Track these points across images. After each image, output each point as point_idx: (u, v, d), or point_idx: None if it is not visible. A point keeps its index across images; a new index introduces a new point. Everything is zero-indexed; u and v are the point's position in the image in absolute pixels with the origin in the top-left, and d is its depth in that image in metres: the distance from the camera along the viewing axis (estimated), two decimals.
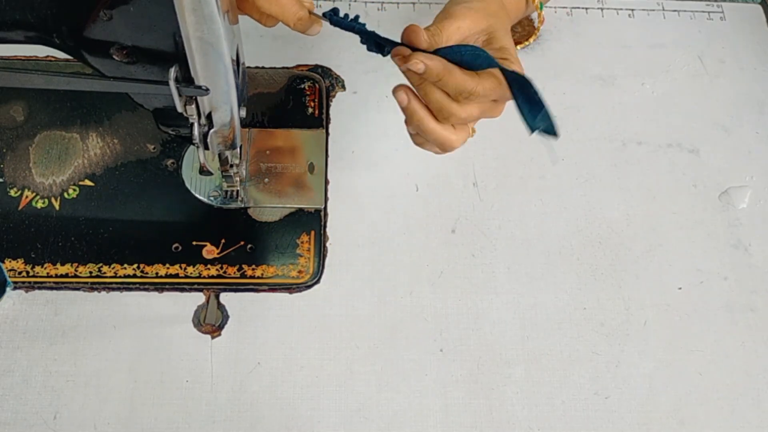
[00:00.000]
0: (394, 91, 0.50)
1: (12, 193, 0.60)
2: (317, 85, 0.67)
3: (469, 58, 0.48)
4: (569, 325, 0.59)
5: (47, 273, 0.57)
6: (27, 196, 0.60)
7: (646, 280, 0.61)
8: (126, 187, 0.61)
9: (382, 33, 0.73)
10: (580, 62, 0.67)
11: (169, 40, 0.41)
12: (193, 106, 0.44)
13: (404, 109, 0.50)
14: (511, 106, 0.48)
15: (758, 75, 0.71)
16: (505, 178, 0.64)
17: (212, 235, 0.60)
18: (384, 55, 0.50)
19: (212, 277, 0.58)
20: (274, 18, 0.50)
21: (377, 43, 0.50)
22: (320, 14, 0.50)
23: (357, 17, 0.50)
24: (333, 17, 0.50)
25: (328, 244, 0.60)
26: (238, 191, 0.60)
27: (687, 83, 0.70)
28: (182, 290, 0.58)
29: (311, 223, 0.61)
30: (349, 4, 0.72)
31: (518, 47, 0.70)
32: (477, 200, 0.63)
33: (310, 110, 0.66)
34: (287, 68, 0.68)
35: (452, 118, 0.50)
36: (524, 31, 0.72)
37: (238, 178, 0.59)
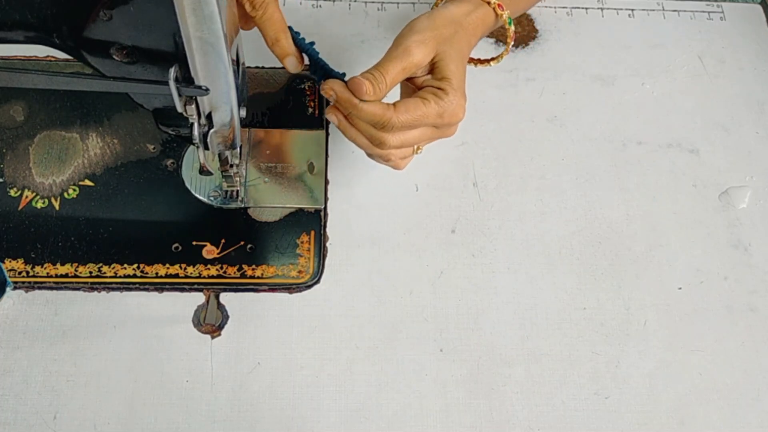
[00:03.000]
0: (326, 112, 0.53)
1: (12, 193, 0.60)
2: (317, 85, 0.67)
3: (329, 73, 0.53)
4: (569, 325, 0.59)
5: (47, 273, 0.57)
6: (27, 196, 0.60)
7: (646, 280, 0.61)
8: (126, 187, 0.61)
9: (382, 33, 0.73)
10: (580, 62, 0.67)
11: (169, 40, 0.41)
12: (193, 106, 0.44)
13: (338, 128, 0.53)
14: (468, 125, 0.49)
15: (758, 75, 0.71)
16: (505, 178, 0.64)
17: (212, 235, 0.60)
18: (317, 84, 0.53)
19: (212, 277, 0.58)
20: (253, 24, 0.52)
21: (324, 72, 0.53)
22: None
23: (312, 43, 0.53)
24: (294, 36, 0.53)
25: (328, 244, 0.60)
26: (238, 191, 0.60)
27: (687, 83, 0.70)
28: (182, 290, 0.58)
29: (311, 223, 0.61)
30: (349, 5, 0.72)
31: (519, 48, 0.70)
32: (477, 200, 0.63)
33: (310, 110, 0.66)
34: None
35: (384, 146, 0.52)
36: (524, 30, 0.72)
37: (238, 178, 0.59)
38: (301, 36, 0.53)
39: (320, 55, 0.53)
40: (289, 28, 0.52)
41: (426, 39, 0.52)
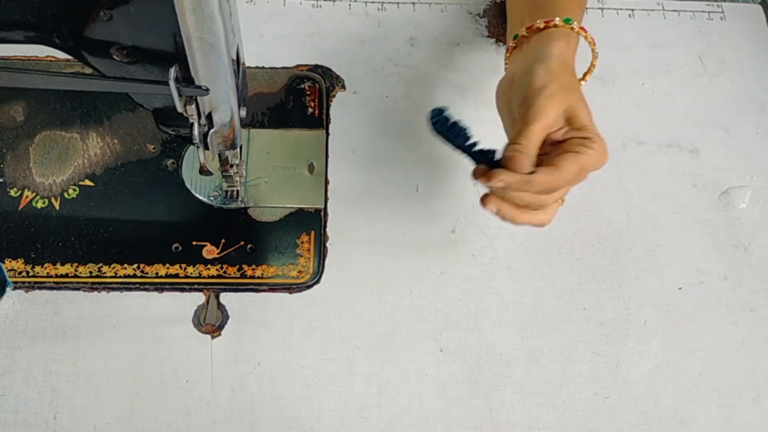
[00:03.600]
0: (483, 202, 0.53)
1: (12, 193, 0.60)
2: (317, 85, 0.67)
3: (476, 157, 0.52)
4: (569, 325, 0.59)
5: (47, 273, 0.57)
6: (27, 196, 0.60)
7: (646, 280, 0.61)
8: (126, 187, 0.61)
9: (382, 33, 0.73)
10: (580, 62, 0.66)
11: (169, 40, 0.41)
12: (193, 106, 0.44)
13: (496, 214, 0.53)
14: None
15: (758, 75, 0.71)
16: None
17: (212, 235, 0.60)
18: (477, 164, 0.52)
19: (212, 277, 0.58)
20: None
21: (475, 157, 0.52)
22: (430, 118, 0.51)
23: (463, 129, 0.51)
24: (438, 126, 0.51)
25: (328, 244, 0.60)
26: (238, 191, 0.60)
27: (687, 83, 0.70)
28: (182, 290, 0.58)
29: (311, 223, 0.61)
30: (350, 5, 0.72)
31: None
32: (477, 200, 0.63)
33: (310, 110, 0.66)
34: (287, 68, 0.68)
35: (546, 204, 0.53)
36: None
37: (238, 178, 0.59)
38: (450, 120, 0.51)
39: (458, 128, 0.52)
40: (440, 110, 0.51)
41: (554, 93, 0.52)
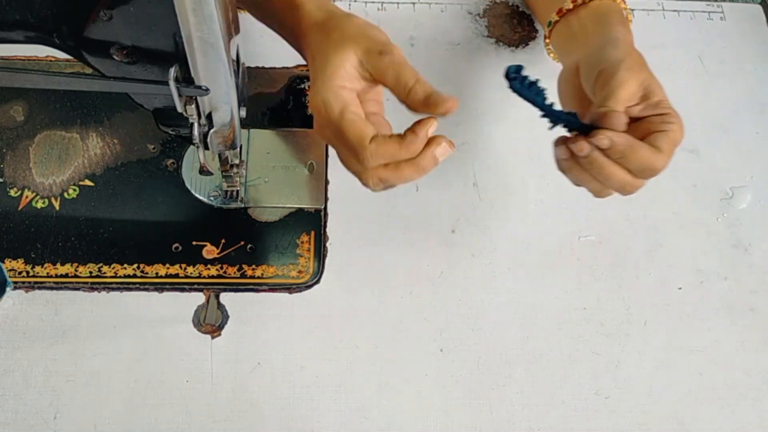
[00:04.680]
0: (560, 145, 0.50)
1: (12, 193, 0.60)
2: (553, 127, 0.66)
3: (568, 122, 0.49)
4: (569, 325, 0.59)
5: (47, 273, 0.57)
6: (27, 196, 0.60)
7: (646, 280, 0.61)
8: (126, 187, 0.61)
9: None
10: None
11: (169, 40, 0.41)
12: (193, 106, 0.44)
13: (583, 159, 0.49)
14: None
15: (758, 75, 0.71)
16: (505, 178, 0.64)
17: (212, 235, 0.60)
18: (551, 128, 0.49)
19: (212, 277, 0.58)
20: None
21: (558, 116, 0.49)
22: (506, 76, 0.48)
23: (541, 90, 0.49)
24: (516, 84, 0.48)
25: (328, 244, 0.60)
26: (238, 191, 0.60)
27: (687, 83, 0.70)
28: (182, 290, 0.58)
29: (311, 223, 0.61)
30: (350, 5, 0.72)
31: (519, 48, 0.70)
32: (477, 200, 0.63)
33: (310, 110, 0.66)
34: (287, 68, 0.68)
35: (660, 169, 0.51)
36: (524, 30, 0.72)
37: (238, 178, 0.59)
38: (528, 78, 0.49)
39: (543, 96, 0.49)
40: (518, 67, 0.48)
41: (632, 66, 0.51)
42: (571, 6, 0.59)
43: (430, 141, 0.47)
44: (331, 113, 0.48)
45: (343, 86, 0.48)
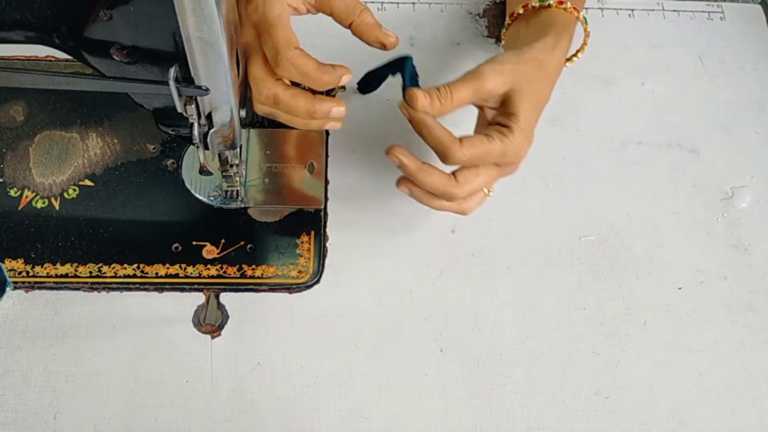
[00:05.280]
0: (397, 184, 0.54)
1: (12, 193, 0.60)
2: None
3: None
4: (569, 325, 0.59)
5: (47, 273, 0.57)
6: (27, 196, 0.60)
7: (646, 280, 0.61)
8: (126, 187, 0.61)
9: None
10: (580, 62, 0.66)
11: (169, 40, 0.41)
12: (193, 106, 0.44)
13: (410, 195, 0.54)
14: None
15: (758, 75, 0.71)
16: (506, 178, 0.64)
17: (212, 235, 0.60)
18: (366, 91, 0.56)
19: (212, 277, 0.58)
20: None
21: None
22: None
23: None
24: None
25: (328, 244, 0.60)
26: (238, 191, 0.60)
27: (687, 83, 0.70)
28: (182, 290, 0.58)
29: (311, 223, 0.61)
30: None
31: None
32: None
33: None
34: None
35: (456, 198, 0.52)
36: None
37: (238, 178, 0.59)
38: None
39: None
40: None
41: (504, 70, 0.51)
42: (521, 11, 0.60)
43: (335, 99, 0.51)
44: (267, 11, 0.49)
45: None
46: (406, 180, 0.53)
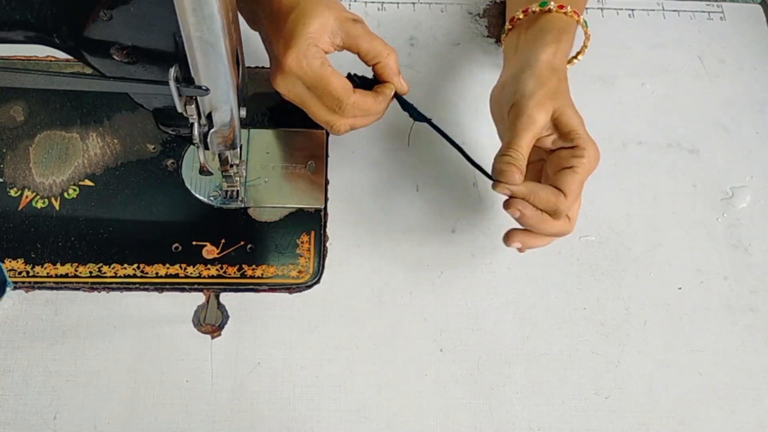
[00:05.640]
0: (505, 206, 0.53)
1: (12, 193, 0.60)
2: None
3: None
4: (569, 325, 0.59)
5: (47, 273, 0.57)
6: (27, 196, 0.60)
7: (646, 280, 0.61)
8: (126, 187, 0.61)
9: (382, 33, 0.73)
10: (581, 62, 0.67)
11: (169, 40, 0.41)
12: (193, 106, 0.44)
13: (519, 220, 0.54)
14: None
15: (758, 75, 0.71)
16: None
17: (212, 235, 0.60)
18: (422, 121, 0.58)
19: (212, 277, 0.58)
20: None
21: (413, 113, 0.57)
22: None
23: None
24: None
25: (328, 244, 0.60)
26: (238, 191, 0.60)
27: (687, 83, 0.70)
28: (182, 290, 0.58)
29: (311, 223, 0.61)
30: (350, 4, 0.72)
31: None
32: (477, 200, 0.63)
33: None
34: None
35: (564, 211, 0.53)
36: None
37: (238, 178, 0.59)
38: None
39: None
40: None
41: (541, 100, 0.53)
42: (521, 16, 0.60)
43: (386, 86, 0.56)
44: (313, 65, 0.52)
45: (317, 45, 0.52)
46: (516, 201, 0.53)
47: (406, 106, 0.57)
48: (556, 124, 0.53)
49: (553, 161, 0.54)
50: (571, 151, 0.53)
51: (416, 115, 0.57)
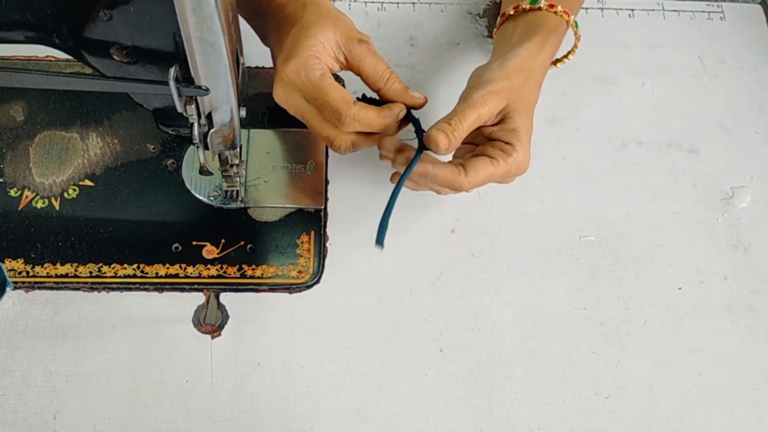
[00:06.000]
0: (392, 179, 0.55)
1: (12, 193, 0.60)
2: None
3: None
4: (569, 325, 0.59)
5: (47, 273, 0.57)
6: (27, 196, 0.60)
7: (646, 280, 0.61)
8: (126, 187, 0.61)
9: (382, 33, 0.73)
10: (581, 62, 0.67)
11: (169, 40, 0.41)
12: (193, 106, 0.44)
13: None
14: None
15: (758, 75, 0.71)
16: None
17: (212, 235, 0.60)
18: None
19: (212, 277, 0.58)
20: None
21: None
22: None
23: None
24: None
25: (328, 244, 0.60)
26: (238, 191, 0.60)
27: (687, 83, 0.70)
28: (182, 290, 0.58)
29: (311, 223, 0.61)
30: (349, 5, 0.72)
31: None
32: (477, 200, 0.63)
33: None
34: None
35: (463, 189, 0.54)
36: None
37: (238, 178, 0.59)
38: None
39: None
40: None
41: (498, 90, 0.53)
42: (512, 12, 0.60)
43: (393, 106, 0.54)
44: (311, 76, 0.51)
45: (318, 57, 0.52)
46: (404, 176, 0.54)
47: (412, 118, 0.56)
48: (504, 119, 0.54)
49: (483, 148, 0.55)
50: (502, 146, 0.53)
51: (414, 120, 0.56)
